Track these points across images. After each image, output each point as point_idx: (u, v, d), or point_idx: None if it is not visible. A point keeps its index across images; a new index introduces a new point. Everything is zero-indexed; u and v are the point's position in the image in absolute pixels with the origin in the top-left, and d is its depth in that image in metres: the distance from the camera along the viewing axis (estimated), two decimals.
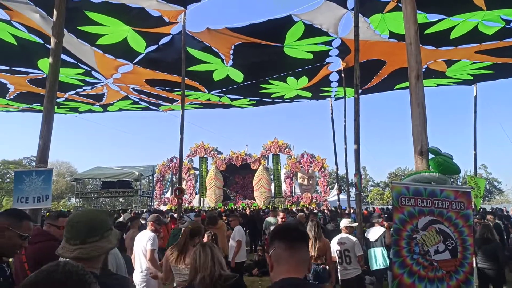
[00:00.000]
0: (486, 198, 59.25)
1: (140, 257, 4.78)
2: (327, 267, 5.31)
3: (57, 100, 13.87)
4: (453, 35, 10.02)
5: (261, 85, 14.57)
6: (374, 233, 6.45)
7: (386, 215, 7.10)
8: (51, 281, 0.97)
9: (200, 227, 3.92)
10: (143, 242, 4.78)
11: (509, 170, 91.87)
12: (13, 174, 5.86)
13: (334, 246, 5.43)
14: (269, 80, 14.01)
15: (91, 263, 1.53)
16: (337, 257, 5.38)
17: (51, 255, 2.72)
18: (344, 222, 5.66)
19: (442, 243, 2.35)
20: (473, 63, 12.39)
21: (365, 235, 6.82)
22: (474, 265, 5.69)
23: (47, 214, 4.06)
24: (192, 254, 2.64)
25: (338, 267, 5.38)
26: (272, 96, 16.49)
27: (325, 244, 5.35)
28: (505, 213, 16.03)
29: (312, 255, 5.22)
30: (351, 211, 12.56)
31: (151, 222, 4.97)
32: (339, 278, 5.39)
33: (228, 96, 16.29)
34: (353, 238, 5.47)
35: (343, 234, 5.51)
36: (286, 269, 1.45)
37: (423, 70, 12.59)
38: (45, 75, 11.96)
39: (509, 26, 9.43)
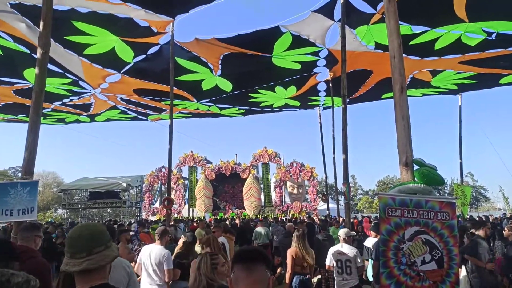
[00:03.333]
0: (473, 205, 60.13)
1: (151, 271, 4.62)
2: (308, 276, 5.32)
3: (44, 110, 13.69)
4: (437, 46, 10.26)
5: (250, 94, 14.63)
6: (371, 242, 6.51)
7: (372, 224, 7.14)
8: None
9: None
10: (157, 257, 4.62)
11: (495, 177, 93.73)
12: None
13: (334, 256, 5.38)
14: (258, 90, 14.09)
15: (100, 274, 1.55)
16: (336, 268, 5.33)
17: (43, 272, 2.64)
18: (343, 232, 5.57)
19: (429, 253, 2.37)
20: (457, 73, 12.68)
21: (364, 243, 6.85)
22: (465, 274, 5.77)
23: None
24: (193, 263, 2.70)
25: (336, 277, 5.33)
26: (261, 105, 16.57)
27: (311, 254, 5.33)
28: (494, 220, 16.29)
29: (307, 264, 5.19)
30: (340, 220, 12.59)
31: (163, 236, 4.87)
32: None
33: (217, 105, 16.31)
34: (354, 249, 5.43)
35: (344, 244, 5.40)
36: None
37: (409, 79, 12.85)
38: (31, 85, 11.80)
39: (491, 38, 9.70)
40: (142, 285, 4.60)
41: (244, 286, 1.49)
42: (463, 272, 5.81)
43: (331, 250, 5.46)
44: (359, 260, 5.32)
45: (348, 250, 5.34)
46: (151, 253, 4.64)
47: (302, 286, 5.21)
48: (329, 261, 5.42)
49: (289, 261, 5.27)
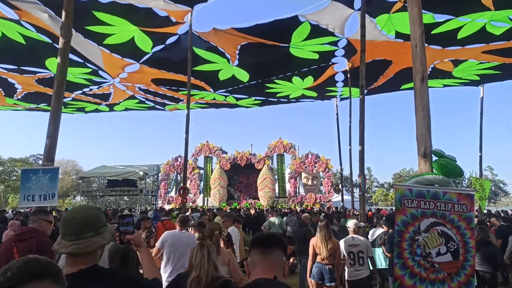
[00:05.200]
0: (492, 200, 58.74)
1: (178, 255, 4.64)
2: (333, 266, 5.32)
3: (64, 100, 14.02)
4: (460, 35, 9.98)
5: (266, 84, 14.59)
6: (376, 233, 6.51)
7: (384, 218, 7.09)
8: None
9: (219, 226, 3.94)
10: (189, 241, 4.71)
11: None
12: (20, 172, 5.92)
13: (345, 247, 5.39)
14: (275, 80, 14.03)
15: (89, 258, 1.57)
16: (348, 258, 5.36)
17: (43, 250, 2.86)
18: (352, 223, 5.61)
19: (444, 245, 2.36)
20: (480, 63, 12.31)
21: (369, 236, 6.83)
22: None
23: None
24: (191, 252, 2.69)
25: (348, 268, 5.36)
26: (277, 95, 16.51)
27: (335, 244, 5.34)
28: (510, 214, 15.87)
29: (325, 255, 5.23)
30: (355, 212, 12.54)
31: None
32: (347, 278, 5.39)
33: (233, 95, 16.34)
34: (365, 240, 5.46)
35: (355, 236, 5.43)
36: (258, 272, 1.55)
37: (430, 69, 12.54)
38: (52, 75, 12.08)
39: None
40: (166, 270, 4.65)
41: (260, 269, 1.53)
42: None
43: (342, 243, 5.48)
44: (370, 250, 5.35)
45: (360, 241, 5.36)
46: (180, 238, 4.71)
47: (320, 275, 5.26)
48: (344, 252, 5.44)
49: (310, 250, 5.34)
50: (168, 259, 4.57)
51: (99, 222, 1.63)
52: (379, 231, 6.58)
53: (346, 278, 5.39)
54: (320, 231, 5.30)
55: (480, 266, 5.72)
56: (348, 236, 5.58)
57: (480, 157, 15.83)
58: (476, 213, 10.15)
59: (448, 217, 2.38)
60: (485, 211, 13.13)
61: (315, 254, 5.31)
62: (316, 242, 5.30)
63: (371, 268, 5.49)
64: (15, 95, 15.22)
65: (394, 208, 2.78)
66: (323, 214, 14.98)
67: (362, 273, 5.25)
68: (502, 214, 14.01)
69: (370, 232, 6.99)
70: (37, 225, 3.27)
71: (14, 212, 13.92)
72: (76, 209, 1.69)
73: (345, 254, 5.36)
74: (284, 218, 12.14)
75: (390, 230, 5.64)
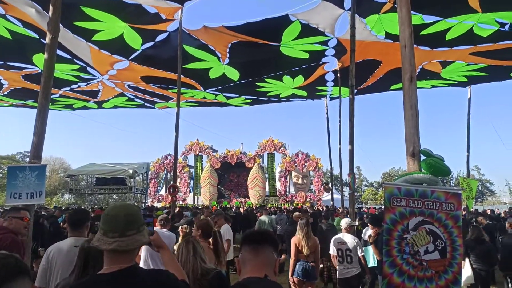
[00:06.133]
0: (479, 199, 59.86)
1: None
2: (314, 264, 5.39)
3: (52, 96, 13.79)
4: (449, 36, 10.10)
5: (257, 83, 14.58)
6: (368, 232, 6.58)
7: (369, 217, 7.18)
8: None
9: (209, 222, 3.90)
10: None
11: (501, 171, 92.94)
12: (6, 169, 5.81)
13: (335, 245, 5.47)
14: (265, 79, 14.03)
15: (129, 256, 1.55)
16: (337, 256, 5.42)
17: (10, 247, 2.89)
18: (345, 222, 5.68)
19: (432, 243, 2.38)
20: (468, 64, 12.50)
21: (362, 234, 6.91)
22: (469, 265, 5.79)
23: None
24: (176, 250, 2.67)
25: (338, 266, 5.42)
26: (267, 94, 16.52)
27: (315, 242, 5.41)
28: (496, 214, 16.17)
29: (306, 252, 5.28)
30: (345, 211, 12.61)
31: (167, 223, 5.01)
32: (338, 276, 5.45)
33: (224, 94, 16.29)
34: (355, 239, 5.52)
35: (345, 234, 5.52)
36: (249, 270, 1.53)
37: (418, 70, 12.70)
38: (40, 71, 11.88)
39: (504, 29, 9.53)
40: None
41: (251, 267, 1.52)
42: (466, 264, 5.83)
43: (333, 239, 5.54)
44: (359, 249, 5.39)
45: (349, 239, 5.43)
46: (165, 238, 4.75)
47: (304, 273, 5.30)
48: (332, 250, 5.51)
49: (292, 249, 5.36)
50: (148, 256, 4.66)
51: (140, 220, 1.62)
52: (370, 230, 6.65)
53: (337, 276, 5.45)
54: (300, 229, 5.39)
55: (476, 264, 5.81)
56: (339, 234, 5.65)
57: (468, 156, 16.10)
58: (464, 212, 10.32)
59: (436, 215, 2.41)
60: (472, 210, 13.36)
61: (297, 252, 5.37)
62: (298, 240, 5.37)
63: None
64: (1, 91, 14.93)
65: (383, 207, 2.81)
66: (310, 212, 15.06)
67: (351, 271, 5.31)
68: (489, 213, 14.29)
69: (363, 231, 7.06)
70: (8, 223, 3.34)
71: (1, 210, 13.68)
72: (117, 206, 1.66)
73: (335, 251, 5.43)
74: (273, 217, 12.16)
75: (375, 229, 5.70)
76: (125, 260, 1.53)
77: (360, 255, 5.39)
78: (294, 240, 5.42)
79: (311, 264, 5.31)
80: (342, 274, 5.35)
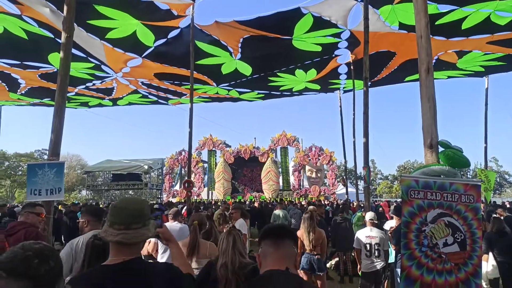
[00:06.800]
0: (497, 191, 58.64)
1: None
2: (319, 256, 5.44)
3: (67, 94, 14.02)
4: (465, 25, 9.85)
5: (269, 78, 14.53)
6: (389, 225, 6.57)
7: (394, 208, 7.10)
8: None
9: (202, 217, 4.03)
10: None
11: None
12: (25, 166, 5.95)
13: (363, 239, 5.46)
14: (278, 73, 13.96)
15: (134, 249, 1.59)
16: (364, 251, 5.41)
17: (31, 238, 3.01)
18: (370, 215, 5.66)
19: (451, 236, 2.35)
20: (485, 54, 12.17)
21: (384, 227, 6.87)
22: (493, 259, 5.69)
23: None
24: (220, 239, 2.75)
25: (364, 259, 5.42)
26: (280, 89, 16.45)
27: (320, 235, 5.44)
28: None
29: (308, 246, 5.35)
30: (360, 204, 12.54)
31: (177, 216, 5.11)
32: (362, 270, 5.45)
33: (236, 89, 16.29)
34: (382, 232, 5.51)
35: (373, 228, 5.51)
36: (270, 263, 1.55)
37: (434, 61, 12.43)
38: (55, 70, 12.09)
39: None
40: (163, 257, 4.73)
41: (272, 260, 1.54)
42: (490, 257, 5.74)
43: (360, 234, 5.53)
44: (386, 244, 5.40)
45: (377, 233, 5.42)
46: (174, 229, 4.80)
47: (309, 265, 5.36)
48: (357, 244, 5.50)
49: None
50: (166, 249, 4.71)
51: (147, 215, 1.67)
52: (389, 224, 6.61)
53: (361, 270, 5.45)
54: (303, 223, 5.49)
55: (499, 257, 5.72)
56: (365, 228, 5.63)
57: (485, 148, 15.73)
58: (482, 205, 10.11)
59: (454, 207, 2.37)
60: (490, 202, 13.09)
61: (302, 245, 5.45)
62: (301, 234, 5.48)
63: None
64: (18, 90, 15.26)
65: (398, 200, 2.77)
66: (327, 207, 15.02)
67: (377, 264, 5.31)
68: (508, 205, 13.99)
69: (384, 226, 7.02)
70: (25, 218, 3.50)
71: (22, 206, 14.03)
72: (126, 199, 1.71)
73: (363, 246, 5.42)
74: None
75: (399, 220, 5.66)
76: (129, 252, 1.57)
77: (385, 249, 5.39)
78: (298, 234, 5.50)
79: (316, 256, 5.36)
80: (368, 268, 5.35)
